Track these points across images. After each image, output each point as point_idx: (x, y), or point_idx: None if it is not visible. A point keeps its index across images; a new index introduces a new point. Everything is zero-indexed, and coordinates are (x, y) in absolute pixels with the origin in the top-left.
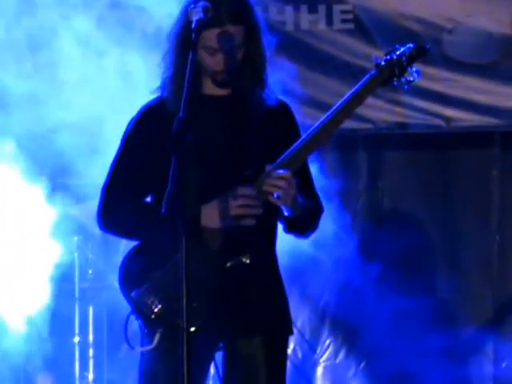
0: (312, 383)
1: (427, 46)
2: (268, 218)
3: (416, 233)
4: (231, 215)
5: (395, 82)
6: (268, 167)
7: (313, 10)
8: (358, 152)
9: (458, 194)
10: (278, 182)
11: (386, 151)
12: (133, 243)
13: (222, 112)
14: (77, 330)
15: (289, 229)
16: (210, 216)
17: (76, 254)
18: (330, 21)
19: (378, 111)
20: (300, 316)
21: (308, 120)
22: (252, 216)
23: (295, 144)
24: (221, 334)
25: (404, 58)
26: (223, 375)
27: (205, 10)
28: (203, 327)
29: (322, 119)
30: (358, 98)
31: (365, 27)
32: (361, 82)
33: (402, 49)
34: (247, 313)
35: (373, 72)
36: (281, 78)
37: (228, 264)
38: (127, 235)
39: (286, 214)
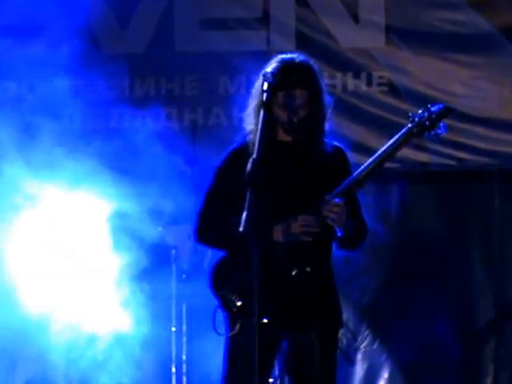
0: (354, 365)
1: (452, 106)
2: (325, 236)
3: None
4: (293, 232)
5: (426, 134)
6: (327, 197)
7: (357, 76)
8: (389, 185)
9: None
10: (334, 208)
11: (412, 185)
12: (219, 253)
13: (290, 154)
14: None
15: (340, 246)
16: (278, 232)
17: (174, 265)
18: (369, 84)
19: (406, 153)
20: (345, 311)
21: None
22: (309, 234)
23: (348, 179)
24: (285, 326)
25: (434, 116)
26: (285, 361)
27: (273, 75)
28: (272, 320)
29: (367, 162)
30: (396, 146)
31: (396, 89)
32: (399, 133)
33: (433, 108)
34: (306, 310)
35: (409, 125)
36: (333, 128)
37: (293, 272)
38: (216, 247)
39: (338, 234)
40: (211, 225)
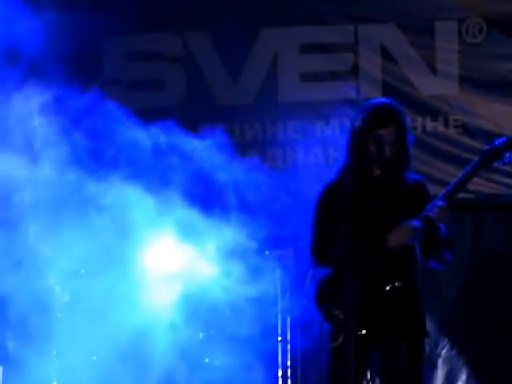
0: (435, 369)
1: None
2: (412, 252)
3: None
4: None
5: (493, 164)
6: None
7: (434, 119)
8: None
9: None
10: (439, 209)
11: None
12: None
13: (379, 186)
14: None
15: (434, 254)
16: (391, 238)
17: (279, 284)
18: (446, 126)
19: (478, 184)
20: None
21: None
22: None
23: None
24: (379, 337)
25: (499, 147)
26: (379, 367)
27: (366, 117)
28: (367, 332)
29: (442, 193)
30: (468, 177)
31: (470, 130)
32: (470, 165)
33: (498, 141)
34: (397, 323)
35: (478, 158)
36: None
37: (386, 288)
38: (328, 265)
39: (442, 232)
40: (323, 247)
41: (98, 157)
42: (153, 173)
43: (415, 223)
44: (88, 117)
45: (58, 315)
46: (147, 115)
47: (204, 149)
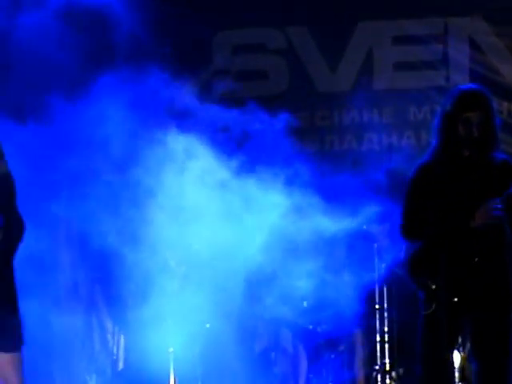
0: None
1: None
2: (500, 228)
3: None
4: (486, 216)
5: None
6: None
7: None
8: None
9: None
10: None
11: None
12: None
13: (468, 165)
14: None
15: None
16: (478, 217)
17: (376, 257)
18: None
19: None
20: None
21: None
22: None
23: None
24: (469, 306)
25: None
26: (469, 335)
27: (456, 101)
28: (459, 301)
29: None
30: None
31: None
32: None
33: None
34: (487, 293)
35: None
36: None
37: (476, 259)
38: (418, 240)
39: None
40: (414, 224)
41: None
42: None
43: (497, 201)
44: None
45: (173, 286)
46: (253, 103)
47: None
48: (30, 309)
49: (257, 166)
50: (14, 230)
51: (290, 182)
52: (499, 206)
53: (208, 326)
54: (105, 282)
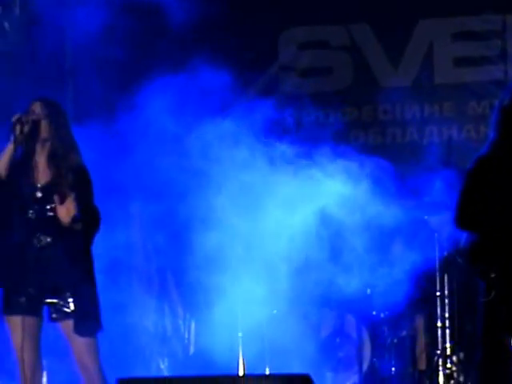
0: None
1: None
2: None
3: None
4: None
5: None
6: None
7: None
8: None
9: None
10: None
11: None
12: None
13: None
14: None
15: None
16: None
17: (437, 245)
18: None
19: None
20: None
21: None
22: None
23: None
24: None
25: None
26: None
27: (510, 97)
28: None
29: None
30: None
31: None
32: None
33: None
34: None
35: None
36: None
37: None
38: (475, 231)
39: None
40: (471, 216)
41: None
42: None
43: None
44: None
45: (241, 272)
46: (317, 98)
47: None
48: (105, 295)
49: (321, 157)
50: (92, 221)
51: (354, 173)
52: None
53: (275, 311)
54: (176, 270)
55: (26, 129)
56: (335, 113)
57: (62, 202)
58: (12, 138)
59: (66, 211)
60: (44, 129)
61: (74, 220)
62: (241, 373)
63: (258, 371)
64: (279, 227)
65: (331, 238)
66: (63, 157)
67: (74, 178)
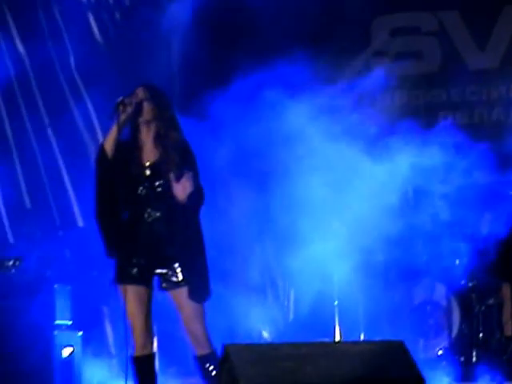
0: None
1: None
2: None
3: None
4: None
5: None
6: None
7: None
8: None
9: None
10: None
11: None
12: None
13: None
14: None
15: None
16: None
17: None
18: None
19: None
20: None
21: None
22: None
23: None
24: None
25: None
26: None
27: None
28: None
29: None
30: None
31: None
32: None
33: None
34: None
35: None
36: None
37: None
38: None
39: None
40: None
41: None
42: None
43: None
44: None
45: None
46: (408, 81)
47: None
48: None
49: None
50: (199, 197)
51: (445, 148)
52: None
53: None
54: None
55: (129, 110)
56: (424, 95)
57: (177, 180)
58: (115, 120)
59: (182, 189)
60: (147, 110)
61: (190, 197)
62: (337, 339)
63: (353, 338)
64: (371, 207)
65: (421, 209)
66: (168, 136)
67: (180, 157)
